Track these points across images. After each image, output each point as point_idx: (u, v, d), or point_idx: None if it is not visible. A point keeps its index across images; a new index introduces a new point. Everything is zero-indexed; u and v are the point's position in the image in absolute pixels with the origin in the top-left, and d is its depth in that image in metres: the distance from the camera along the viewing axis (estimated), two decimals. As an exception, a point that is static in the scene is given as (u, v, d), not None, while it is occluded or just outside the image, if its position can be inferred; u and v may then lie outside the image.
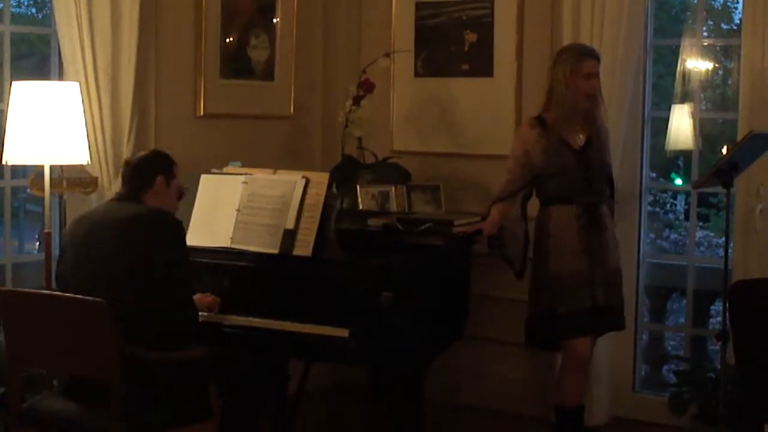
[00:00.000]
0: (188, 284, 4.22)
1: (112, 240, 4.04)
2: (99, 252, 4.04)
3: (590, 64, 4.99)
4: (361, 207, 5.59)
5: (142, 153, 4.46)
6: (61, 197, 5.26)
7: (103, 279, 3.97)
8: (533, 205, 5.21)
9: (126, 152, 5.17)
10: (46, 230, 4.82)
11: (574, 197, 5.01)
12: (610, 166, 5.19)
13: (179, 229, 4.21)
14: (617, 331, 5.29)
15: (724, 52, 7.48)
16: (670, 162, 8.28)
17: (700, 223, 8.62)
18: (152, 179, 4.27)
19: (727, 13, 9.30)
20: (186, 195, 4.60)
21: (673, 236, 9.18)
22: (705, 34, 6.19)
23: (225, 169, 5.05)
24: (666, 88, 6.65)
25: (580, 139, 5.05)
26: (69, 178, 5.03)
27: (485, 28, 6.13)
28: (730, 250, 4.93)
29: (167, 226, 4.16)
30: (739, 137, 5.25)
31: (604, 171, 5.10)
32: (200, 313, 4.38)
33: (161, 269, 4.04)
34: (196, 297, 4.40)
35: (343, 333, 4.32)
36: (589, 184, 5.02)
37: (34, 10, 7.42)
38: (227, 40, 5.94)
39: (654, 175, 7.15)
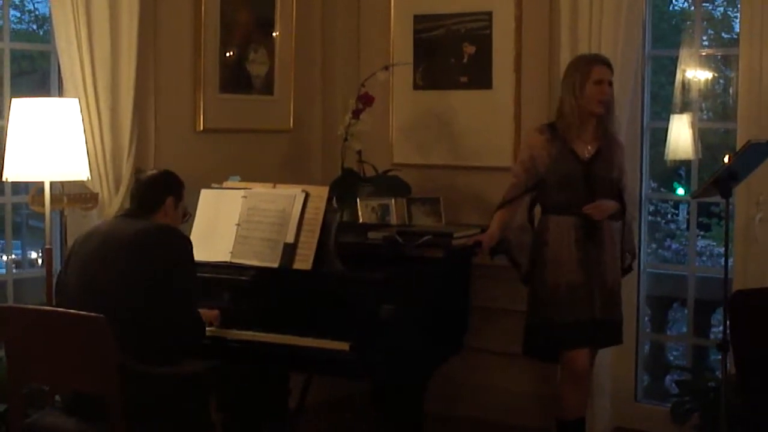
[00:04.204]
0: (195, 298, 4.21)
1: (120, 256, 4.04)
2: (107, 267, 4.04)
3: (600, 70, 4.97)
4: (361, 220, 5.60)
5: (154, 171, 4.46)
6: (61, 213, 5.27)
7: (112, 294, 3.97)
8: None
9: (126, 168, 5.18)
10: (47, 246, 4.82)
11: (575, 208, 4.98)
12: (621, 181, 5.11)
13: (187, 244, 4.21)
14: (615, 346, 5.29)
15: (723, 62, 7.48)
16: (671, 172, 8.28)
17: (702, 233, 8.62)
18: (163, 199, 4.27)
19: (726, 22, 9.30)
20: (189, 217, 4.61)
21: (674, 246, 9.18)
22: (704, 43, 6.20)
23: (225, 184, 5.07)
24: (665, 97, 6.66)
25: (589, 151, 5.02)
26: (69, 194, 5.03)
27: (484, 40, 6.14)
28: (730, 260, 4.92)
29: (176, 240, 4.16)
30: (738, 147, 5.26)
31: (609, 184, 5.04)
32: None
33: (171, 284, 4.04)
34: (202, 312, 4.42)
35: (344, 346, 4.33)
36: (592, 196, 4.98)
37: (34, 27, 7.44)
38: (226, 55, 5.95)
39: (654, 185, 7.16)
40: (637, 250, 5.41)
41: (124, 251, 4.05)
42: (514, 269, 5.22)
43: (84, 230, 4.44)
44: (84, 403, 4.02)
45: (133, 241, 4.07)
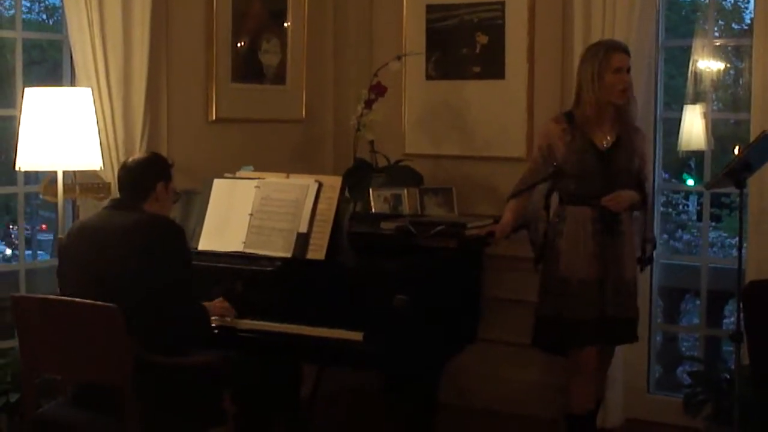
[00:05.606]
0: (190, 287, 4.18)
1: (115, 250, 4.01)
2: (103, 264, 4.02)
3: (619, 58, 4.88)
4: (373, 210, 5.59)
5: (140, 157, 4.42)
6: (74, 203, 5.27)
7: (110, 288, 3.93)
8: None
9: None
10: (59, 236, 4.82)
11: (593, 199, 4.90)
12: (642, 171, 5.03)
13: (180, 234, 4.19)
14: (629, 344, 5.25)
15: (735, 52, 7.45)
16: (683, 163, 8.26)
17: (713, 224, 8.60)
18: (153, 186, 4.23)
19: (738, 13, 9.29)
20: (179, 197, 4.58)
21: (686, 237, 9.17)
22: (716, 34, 6.17)
23: (238, 174, 5.06)
24: (678, 88, 6.63)
25: (608, 140, 4.93)
26: (82, 183, 5.03)
27: (496, 30, 6.13)
28: (743, 251, 4.90)
29: (168, 232, 4.13)
30: (752, 137, 5.24)
31: (628, 175, 4.96)
32: (213, 318, 4.39)
33: (166, 274, 4.02)
34: (209, 304, 4.40)
35: (357, 336, 4.33)
36: (610, 187, 4.89)
37: (45, 16, 7.43)
38: (238, 45, 5.95)
39: (666, 175, 7.14)
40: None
41: (118, 247, 4.02)
42: (531, 246, 5.18)
43: (74, 224, 4.42)
44: (93, 394, 4.02)
45: (125, 235, 4.03)
